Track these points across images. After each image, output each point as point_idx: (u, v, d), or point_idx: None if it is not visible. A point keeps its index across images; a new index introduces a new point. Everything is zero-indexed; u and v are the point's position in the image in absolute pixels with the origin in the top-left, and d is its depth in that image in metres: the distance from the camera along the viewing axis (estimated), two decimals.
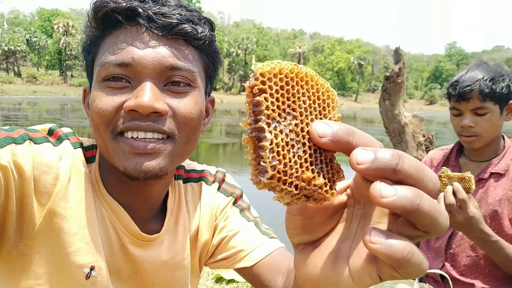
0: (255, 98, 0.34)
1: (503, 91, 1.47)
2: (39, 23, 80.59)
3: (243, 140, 0.35)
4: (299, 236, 0.41)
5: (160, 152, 0.69)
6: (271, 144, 0.33)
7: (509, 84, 1.48)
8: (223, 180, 0.96)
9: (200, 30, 0.73)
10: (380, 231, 0.32)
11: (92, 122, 0.72)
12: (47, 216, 0.70)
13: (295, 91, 0.36)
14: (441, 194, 1.33)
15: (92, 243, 0.73)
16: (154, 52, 0.69)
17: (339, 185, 0.39)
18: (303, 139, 0.36)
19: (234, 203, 0.94)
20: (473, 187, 1.31)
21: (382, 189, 0.31)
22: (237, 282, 3.29)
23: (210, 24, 0.77)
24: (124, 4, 0.69)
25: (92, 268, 0.73)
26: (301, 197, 0.35)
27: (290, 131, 0.35)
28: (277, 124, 0.34)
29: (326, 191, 0.36)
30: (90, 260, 0.73)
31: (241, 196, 0.96)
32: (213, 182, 0.94)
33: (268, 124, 0.34)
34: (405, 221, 0.33)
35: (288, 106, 0.35)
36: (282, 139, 0.34)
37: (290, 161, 0.34)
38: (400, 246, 0.31)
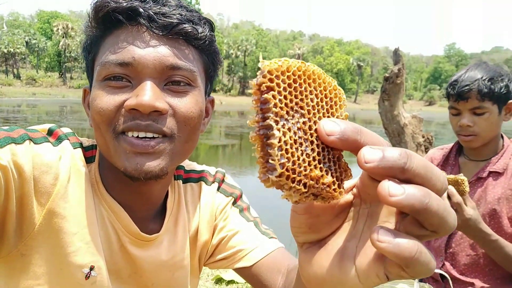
0: (263, 96, 0.34)
1: (501, 91, 1.47)
2: (39, 25, 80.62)
3: (250, 137, 0.34)
4: (305, 235, 0.41)
5: (160, 152, 0.69)
6: (279, 141, 0.33)
7: (507, 84, 1.48)
8: (223, 181, 0.96)
9: (200, 30, 0.73)
10: (387, 230, 0.31)
11: (92, 122, 0.72)
12: (47, 216, 0.70)
13: (302, 89, 0.35)
14: None
15: (91, 243, 0.73)
16: (154, 51, 0.69)
17: (346, 184, 0.39)
18: (311, 137, 0.35)
19: (234, 203, 0.94)
20: (467, 189, 1.31)
21: (390, 188, 0.30)
22: (237, 283, 3.29)
23: (210, 25, 0.77)
24: (124, 4, 0.69)
25: (91, 268, 0.73)
26: (309, 196, 0.35)
27: (298, 129, 0.35)
28: (285, 122, 0.34)
29: (334, 189, 0.36)
30: (89, 260, 0.73)
31: (240, 196, 0.96)
32: (213, 182, 0.94)
33: (276, 122, 0.33)
34: (413, 220, 0.33)
35: (296, 104, 0.35)
36: (290, 137, 0.34)
37: (298, 159, 0.34)
38: (408, 245, 0.31)
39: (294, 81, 0.35)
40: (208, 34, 0.75)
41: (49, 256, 0.71)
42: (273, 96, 0.33)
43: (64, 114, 23.45)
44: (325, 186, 0.35)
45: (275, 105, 0.33)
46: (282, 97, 0.34)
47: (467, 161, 1.63)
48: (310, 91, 0.36)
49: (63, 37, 67.55)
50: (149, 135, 0.69)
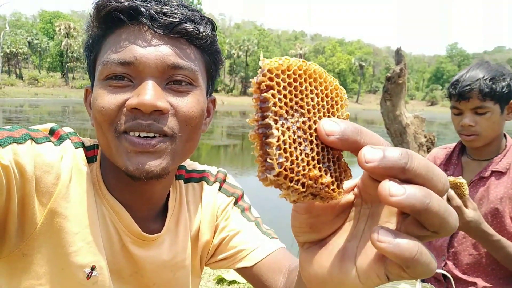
0: (262, 95, 0.33)
1: (503, 90, 1.47)
2: (41, 25, 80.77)
3: (250, 136, 0.34)
4: (305, 235, 0.41)
5: (161, 151, 0.69)
6: (278, 141, 0.33)
7: (509, 84, 1.48)
8: (224, 181, 0.96)
9: (201, 29, 0.73)
10: (388, 230, 0.31)
11: (94, 121, 0.72)
12: (48, 215, 0.70)
13: (303, 88, 0.35)
14: None
15: (93, 243, 0.73)
16: (156, 50, 0.69)
17: (346, 184, 0.39)
18: (311, 136, 0.35)
19: (235, 203, 0.94)
20: (467, 192, 1.31)
21: (391, 188, 0.30)
22: (239, 283, 3.29)
23: (212, 24, 0.77)
24: (126, 3, 0.69)
25: (93, 268, 0.73)
26: (308, 195, 0.35)
27: (298, 128, 0.34)
28: (284, 121, 0.34)
29: (333, 189, 0.36)
30: (91, 260, 0.73)
31: (242, 196, 0.96)
32: (214, 182, 0.94)
33: (275, 121, 0.33)
34: (413, 221, 0.32)
35: (296, 103, 0.35)
36: (289, 136, 0.34)
37: (297, 159, 0.34)
38: (409, 245, 0.31)
39: (295, 80, 0.35)
40: (209, 33, 0.75)
41: (50, 256, 0.71)
42: (273, 95, 0.33)
43: (66, 114, 23.50)
44: (323, 186, 0.35)
45: (275, 104, 0.33)
46: (281, 96, 0.34)
47: (470, 161, 1.62)
48: (311, 90, 0.36)
49: (65, 37, 67.67)
50: (151, 134, 0.69)
